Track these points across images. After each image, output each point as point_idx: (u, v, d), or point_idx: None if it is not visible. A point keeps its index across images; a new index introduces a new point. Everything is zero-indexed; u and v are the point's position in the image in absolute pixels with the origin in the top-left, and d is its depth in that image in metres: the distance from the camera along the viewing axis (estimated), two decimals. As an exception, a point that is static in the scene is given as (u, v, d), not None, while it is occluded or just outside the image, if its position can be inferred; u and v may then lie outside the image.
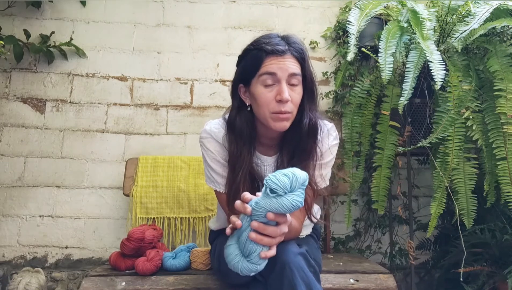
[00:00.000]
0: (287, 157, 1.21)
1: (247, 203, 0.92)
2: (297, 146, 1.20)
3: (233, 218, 0.94)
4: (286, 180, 0.88)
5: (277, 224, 0.92)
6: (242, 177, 1.16)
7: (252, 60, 1.16)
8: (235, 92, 1.22)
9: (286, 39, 1.17)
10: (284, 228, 0.93)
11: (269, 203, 0.88)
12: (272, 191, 0.88)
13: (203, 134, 1.25)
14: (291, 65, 1.14)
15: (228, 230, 0.95)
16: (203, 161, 1.27)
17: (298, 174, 0.90)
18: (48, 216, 2.03)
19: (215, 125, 1.26)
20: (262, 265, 0.93)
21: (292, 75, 1.13)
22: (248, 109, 1.20)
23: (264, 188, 0.90)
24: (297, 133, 1.19)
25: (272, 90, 1.13)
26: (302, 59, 1.17)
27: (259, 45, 1.15)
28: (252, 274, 0.93)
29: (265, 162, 1.26)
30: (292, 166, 1.17)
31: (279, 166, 1.22)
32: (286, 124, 1.15)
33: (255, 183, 1.20)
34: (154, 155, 2.02)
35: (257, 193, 0.94)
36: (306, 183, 0.92)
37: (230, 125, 1.22)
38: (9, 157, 2.04)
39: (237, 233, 0.94)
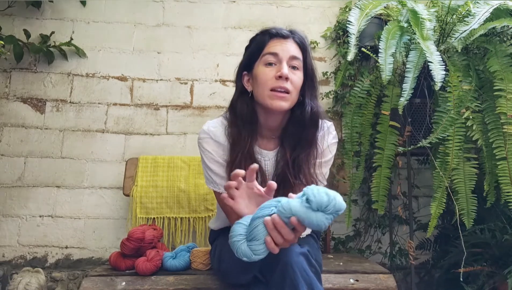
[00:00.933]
0: (290, 149, 1.22)
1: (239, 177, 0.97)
2: (299, 137, 1.21)
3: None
4: (325, 199, 0.86)
5: (294, 230, 0.91)
6: (242, 159, 1.17)
7: (257, 44, 1.23)
8: (239, 77, 1.26)
9: (290, 29, 1.24)
10: (297, 236, 0.92)
11: (298, 209, 0.87)
12: (308, 200, 0.87)
13: (201, 134, 1.25)
14: (293, 48, 1.20)
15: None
16: (201, 162, 1.27)
17: (339, 201, 0.88)
18: (48, 216, 2.03)
19: (213, 124, 1.26)
20: (259, 257, 0.91)
21: (294, 58, 1.19)
22: (249, 96, 1.23)
23: (302, 193, 0.90)
24: (299, 122, 1.21)
25: (273, 70, 1.18)
26: (304, 47, 1.22)
27: (264, 30, 1.23)
28: (245, 259, 0.91)
29: (266, 156, 1.26)
30: (295, 157, 1.20)
31: (279, 160, 1.23)
32: (284, 104, 1.17)
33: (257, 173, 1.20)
34: (154, 155, 2.02)
35: (291, 195, 0.93)
36: (340, 212, 0.89)
37: (232, 107, 1.25)
38: (9, 157, 2.04)
39: (253, 216, 0.93)
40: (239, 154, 1.18)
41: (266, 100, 1.17)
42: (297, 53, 1.20)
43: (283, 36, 1.20)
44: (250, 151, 1.20)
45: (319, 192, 0.87)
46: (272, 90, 1.16)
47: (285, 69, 1.15)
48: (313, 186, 0.89)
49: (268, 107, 1.18)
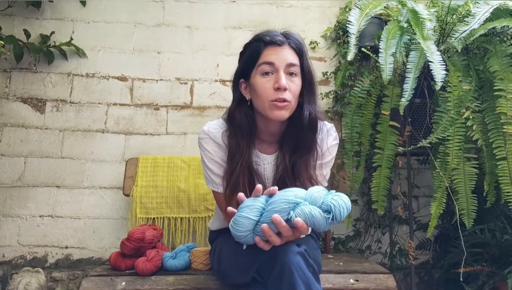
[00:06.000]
0: (289, 153, 1.21)
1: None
2: (298, 141, 1.21)
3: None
4: (341, 215, 0.92)
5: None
6: (240, 171, 1.17)
7: (252, 52, 1.20)
8: (236, 86, 1.25)
9: (285, 33, 1.21)
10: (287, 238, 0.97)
11: (320, 222, 0.92)
12: (332, 217, 0.92)
13: (201, 134, 1.26)
14: (289, 56, 1.17)
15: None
16: (201, 162, 1.28)
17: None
18: (48, 216, 2.03)
19: (213, 126, 1.26)
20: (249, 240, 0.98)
21: (290, 65, 1.16)
22: (248, 104, 1.22)
23: (327, 208, 0.92)
24: (298, 127, 1.20)
25: (270, 80, 1.16)
26: (300, 52, 1.19)
27: (258, 37, 1.20)
28: (238, 240, 0.97)
29: (265, 160, 1.26)
30: (294, 162, 1.19)
31: (279, 164, 1.22)
32: (285, 114, 1.16)
33: (253, 180, 1.19)
34: (154, 155, 2.02)
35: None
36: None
37: (230, 117, 1.24)
38: (9, 157, 2.04)
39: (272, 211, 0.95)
40: (238, 166, 1.17)
41: (267, 111, 1.17)
42: (294, 59, 1.17)
43: (278, 43, 1.16)
44: (248, 162, 1.19)
45: (344, 213, 0.92)
46: (272, 101, 1.15)
47: (283, 80, 1.13)
48: (340, 201, 0.92)
49: (269, 118, 1.17)
